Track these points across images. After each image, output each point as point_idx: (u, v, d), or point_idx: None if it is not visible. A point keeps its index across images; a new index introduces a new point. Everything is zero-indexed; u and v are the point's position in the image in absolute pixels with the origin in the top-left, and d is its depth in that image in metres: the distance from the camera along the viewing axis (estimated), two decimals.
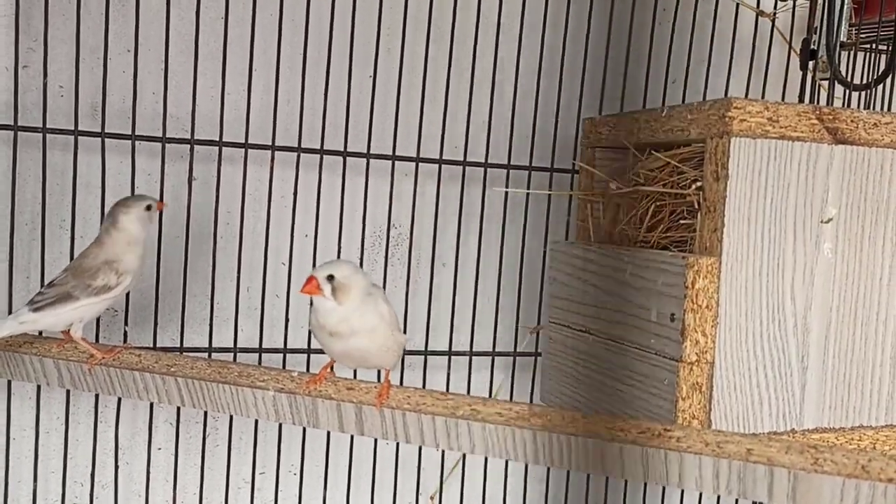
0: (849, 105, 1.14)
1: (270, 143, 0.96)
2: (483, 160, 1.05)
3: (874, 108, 1.18)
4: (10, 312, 0.90)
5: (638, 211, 0.90)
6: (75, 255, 0.92)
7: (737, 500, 1.15)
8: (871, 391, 0.82)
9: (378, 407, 0.72)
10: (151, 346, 0.96)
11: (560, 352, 0.96)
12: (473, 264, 1.06)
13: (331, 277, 0.69)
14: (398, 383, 0.99)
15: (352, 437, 1.03)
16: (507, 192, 1.06)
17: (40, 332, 0.86)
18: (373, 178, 1.01)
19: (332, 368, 0.77)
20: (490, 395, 1.07)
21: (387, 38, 1.02)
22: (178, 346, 0.98)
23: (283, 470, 1.05)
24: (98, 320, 0.94)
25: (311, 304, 0.72)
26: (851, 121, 0.77)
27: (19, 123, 0.90)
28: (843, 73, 1.14)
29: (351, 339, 0.71)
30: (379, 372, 0.81)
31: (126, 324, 0.94)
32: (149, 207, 0.80)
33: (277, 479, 1.01)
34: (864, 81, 1.17)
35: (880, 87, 1.17)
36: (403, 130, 1.03)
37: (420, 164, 1.02)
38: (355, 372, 1.03)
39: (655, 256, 0.79)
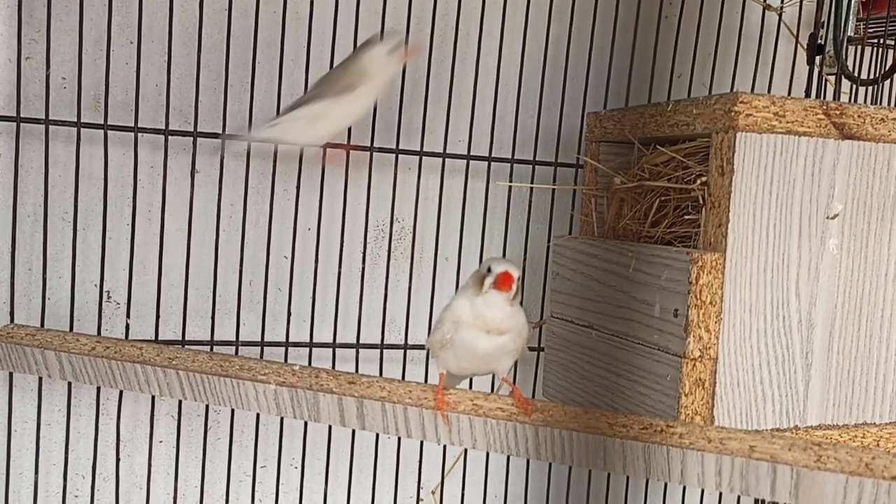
0: (856, 100, 1.14)
1: None
2: (487, 154, 1.05)
3: (881, 103, 1.17)
4: (11, 305, 0.90)
5: (642, 206, 0.89)
6: (77, 249, 0.92)
7: (739, 498, 1.15)
8: (876, 388, 0.81)
9: (530, 415, 0.71)
10: (153, 338, 0.96)
11: (563, 347, 0.96)
12: (476, 259, 1.06)
13: (518, 278, 0.69)
14: (401, 378, 0.99)
15: (353, 431, 1.03)
16: (510, 187, 1.06)
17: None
18: (376, 171, 1.01)
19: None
20: (492, 390, 1.07)
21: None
22: (180, 338, 0.98)
23: (285, 464, 1.05)
24: (100, 314, 0.94)
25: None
26: (859, 116, 0.77)
27: (22, 115, 0.89)
28: (851, 69, 1.13)
29: (503, 337, 0.69)
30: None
31: (128, 316, 0.94)
32: (396, 47, 0.80)
33: (278, 473, 1.01)
34: (872, 77, 1.16)
35: (888, 82, 1.16)
36: (407, 124, 1.03)
37: (423, 157, 1.02)
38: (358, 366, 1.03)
39: (659, 252, 0.79)
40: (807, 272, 0.77)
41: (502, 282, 0.68)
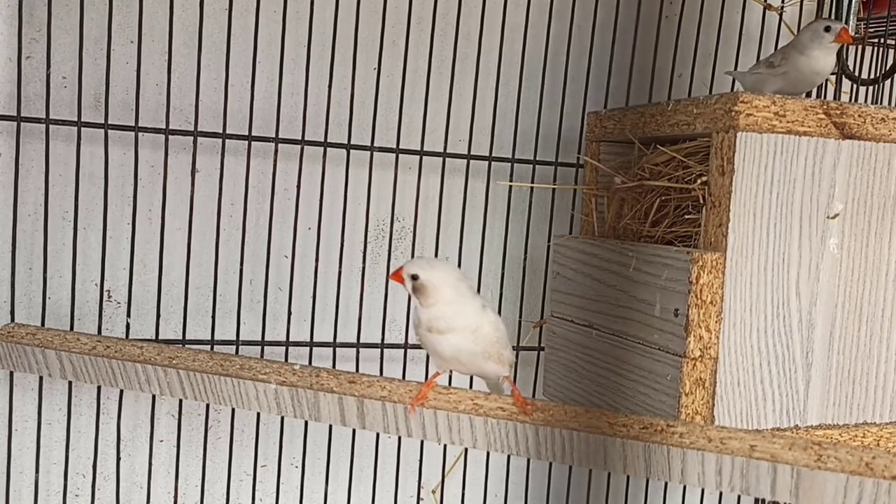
0: (856, 100, 1.14)
1: (274, 136, 0.96)
2: (487, 154, 1.05)
3: (882, 102, 1.17)
4: (12, 304, 0.90)
5: (643, 206, 0.89)
6: (77, 248, 0.92)
7: (739, 498, 1.15)
8: (876, 388, 0.81)
9: (530, 415, 0.70)
10: (154, 338, 0.96)
11: (563, 346, 0.96)
12: (477, 258, 1.06)
13: (415, 277, 0.67)
14: (401, 377, 0.99)
15: (353, 430, 1.03)
16: (511, 186, 1.06)
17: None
18: (376, 171, 1.01)
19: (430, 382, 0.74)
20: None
21: (391, 31, 1.02)
22: (181, 338, 0.98)
23: (285, 463, 1.05)
24: (100, 313, 0.94)
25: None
26: (859, 115, 0.77)
27: (22, 114, 0.89)
28: (851, 68, 1.14)
29: (454, 336, 0.68)
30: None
31: (128, 315, 0.94)
32: (827, 29, 0.81)
33: (279, 472, 1.01)
34: (872, 76, 1.16)
35: (888, 81, 1.16)
36: (407, 123, 1.03)
37: (424, 157, 1.02)
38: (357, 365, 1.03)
39: (660, 251, 0.79)
40: (807, 272, 0.77)
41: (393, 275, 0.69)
